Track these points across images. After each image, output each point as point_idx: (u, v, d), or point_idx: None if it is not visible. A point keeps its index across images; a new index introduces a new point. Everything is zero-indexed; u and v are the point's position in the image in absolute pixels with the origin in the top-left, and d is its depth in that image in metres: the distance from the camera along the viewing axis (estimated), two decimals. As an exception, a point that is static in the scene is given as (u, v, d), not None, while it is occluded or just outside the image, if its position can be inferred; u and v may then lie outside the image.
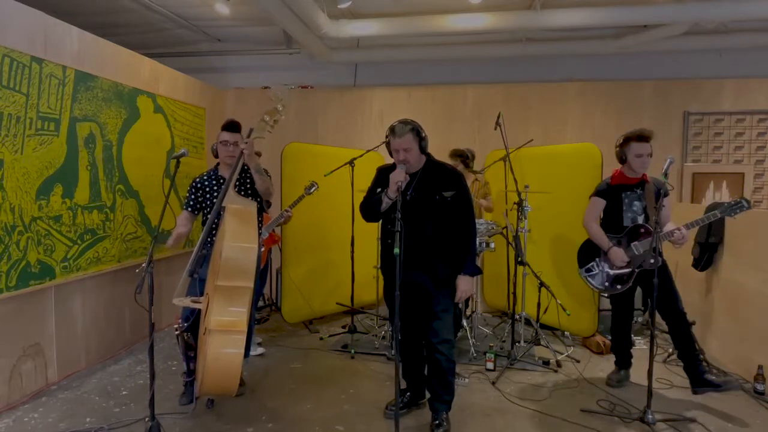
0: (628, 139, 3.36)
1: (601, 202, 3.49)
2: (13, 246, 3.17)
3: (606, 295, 3.65)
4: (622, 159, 3.40)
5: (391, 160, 2.91)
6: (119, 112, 4.10)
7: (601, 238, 3.44)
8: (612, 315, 3.61)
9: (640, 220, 3.38)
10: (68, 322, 3.71)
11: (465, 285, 2.86)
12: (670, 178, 3.17)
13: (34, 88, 3.29)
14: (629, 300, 3.54)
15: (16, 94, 3.17)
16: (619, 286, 3.41)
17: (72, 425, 2.99)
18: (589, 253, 3.56)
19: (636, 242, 3.34)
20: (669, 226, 3.30)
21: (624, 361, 3.61)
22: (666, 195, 3.29)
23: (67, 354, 3.70)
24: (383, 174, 2.95)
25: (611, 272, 3.43)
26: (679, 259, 4.46)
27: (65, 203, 3.58)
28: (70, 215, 3.62)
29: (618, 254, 3.35)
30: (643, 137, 3.31)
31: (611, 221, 3.48)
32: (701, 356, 3.42)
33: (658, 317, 3.39)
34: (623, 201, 3.41)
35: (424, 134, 2.85)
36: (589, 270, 3.54)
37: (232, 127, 3.19)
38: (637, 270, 3.35)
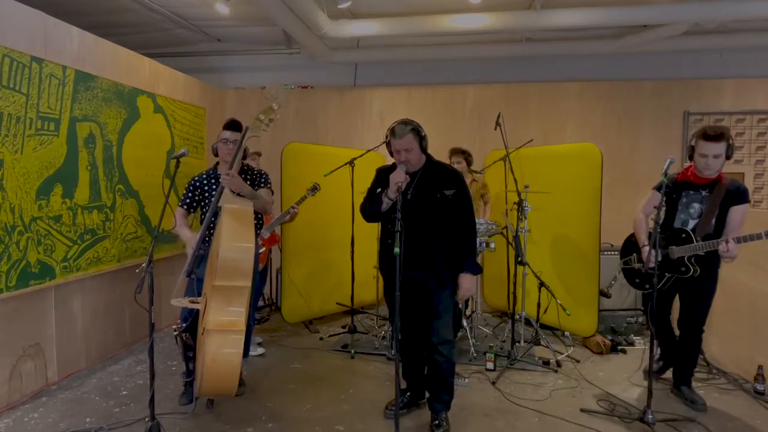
0: (698, 136, 3.04)
1: (656, 197, 3.25)
2: (13, 246, 3.17)
3: (609, 294, 3.61)
4: (691, 155, 3.12)
5: (391, 160, 2.91)
6: (119, 112, 4.10)
7: (640, 234, 3.30)
8: (646, 313, 3.49)
9: (692, 224, 3.13)
10: (68, 322, 3.71)
11: (467, 283, 2.87)
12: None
13: (34, 88, 3.29)
14: (664, 305, 3.37)
15: (16, 94, 3.17)
16: (647, 286, 3.27)
17: (72, 425, 2.99)
18: (630, 247, 3.47)
19: (673, 246, 3.15)
20: (722, 238, 3.00)
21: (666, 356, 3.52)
22: (741, 203, 3.03)
23: (67, 354, 3.70)
24: (383, 175, 2.95)
25: (643, 270, 3.21)
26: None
27: (65, 203, 3.58)
28: (70, 215, 3.62)
29: (650, 254, 3.07)
30: (709, 136, 2.96)
31: (666, 219, 3.23)
32: (693, 373, 3.36)
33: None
34: (681, 200, 3.17)
35: (423, 134, 2.86)
36: (627, 263, 3.47)
37: (233, 126, 3.19)
38: (669, 276, 3.18)
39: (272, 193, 3.37)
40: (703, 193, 3.12)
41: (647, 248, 3.19)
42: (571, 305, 4.29)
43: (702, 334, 3.25)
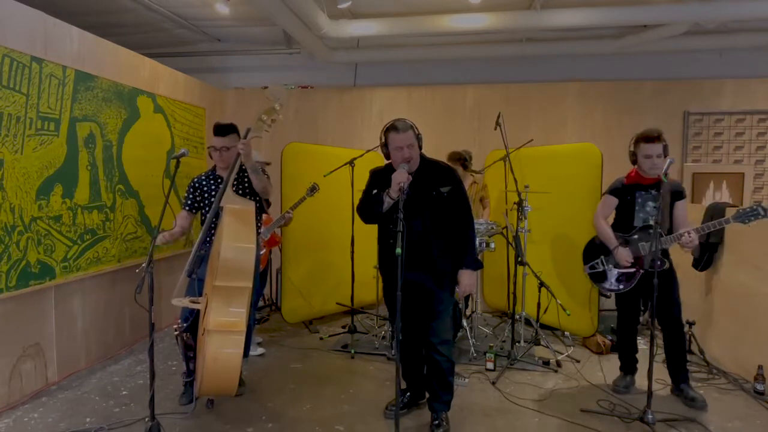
0: (638, 140, 3.30)
1: (613, 200, 3.45)
2: (13, 246, 3.17)
3: (608, 295, 3.64)
4: (634, 160, 3.35)
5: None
6: (119, 112, 4.10)
7: (608, 237, 3.41)
8: (617, 317, 3.59)
9: (652, 221, 3.30)
10: (68, 322, 3.71)
11: (468, 279, 2.87)
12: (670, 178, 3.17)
13: (34, 88, 3.29)
14: (635, 302, 3.51)
15: (16, 94, 3.17)
16: (622, 286, 3.40)
17: (72, 425, 2.99)
18: (594, 250, 3.54)
19: (643, 242, 3.31)
20: (683, 230, 3.21)
21: (629, 366, 3.57)
22: (682, 198, 3.32)
23: (67, 354, 3.70)
24: (377, 176, 2.95)
25: (616, 271, 3.41)
26: (679, 259, 4.45)
27: (65, 203, 3.58)
28: (70, 215, 3.62)
29: (623, 254, 3.32)
30: (650, 138, 3.22)
31: (623, 220, 3.44)
32: (687, 364, 3.42)
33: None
34: (636, 201, 3.35)
35: (418, 132, 2.88)
36: (593, 267, 3.52)
37: (220, 131, 3.20)
38: (641, 271, 3.33)
39: (270, 184, 3.37)
40: (653, 192, 3.33)
41: (620, 249, 3.35)
42: (571, 305, 4.29)
43: (682, 326, 3.36)
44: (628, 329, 3.54)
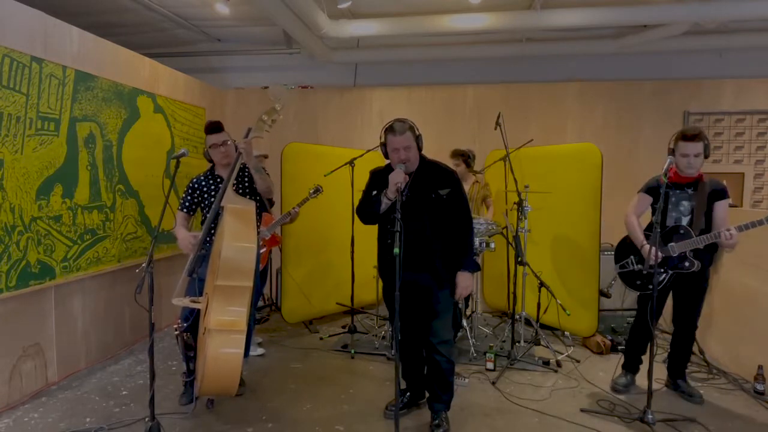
0: (677, 138, 3.19)
1: (646, 199, 3.37)
2: (13, 246, 3.17)
3: (609, 294, 3.62)
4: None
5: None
6: (119, 112, 4.10)
7: (636, 235, 3.35)
8: (636, 315, 3.53)
9: (685, 221, 3.23)
10: (68, 322, 3.71)
11: (465, 281, 2.86)
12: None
13: (34, 88, 3.29)
14: (659, 304, 3.39)
15: (16, 94, 3.17)
16: (650, 287, 3.28)
17: (72, 425, 2.99)
18: (626, 249, 3.49)
19: (672, 243, 3.22)
20: (718, 230, 3.13)
21: (633, 366, 3.55)
22: (723, 198, 3.21)
23: (67, 354, 3.70)
24: (377, 176, 2.95)
25: (644, 271, 3.26)
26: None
27: (65, 203, 3.58)
28: (70, 215, 3.62)
29: (651, 252, 3.13)
30: (687, 136, 3.12)
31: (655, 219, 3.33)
32: (688, 366, 3.44)
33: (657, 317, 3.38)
34: (670, 199, 3.27)
35: (419, 132, 2.87)
36: (623, 266, 3.48)
37: (214, 128, 3.18)
38: (671, 272, 3.26)
39: (272, 183, 3.36)
40: (689, 191, 3.25)
41: (647, 247, 3.23)
42: (571, 305, 4.29)
43: (695, 331, 3.35)
44: (643, 329, 3.43)
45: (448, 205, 2.86)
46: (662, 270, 3.27)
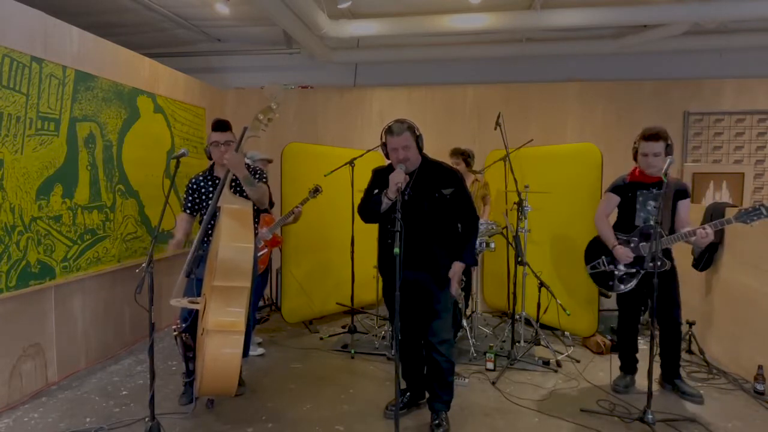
0: (638, 138, 3.28)
1: (614, 198, 3.43)
2: (13, 246, 3.17)
3: (609, 295, 3.64)
4: (635, 157, 3.33)
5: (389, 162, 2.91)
6: (119, 112, 4.11)
7: (608, 235, 3.39)
8: (618, 317, 3.58)
9: (653, 221, 3.28)
10: (68, 322, 3.71)
11: (458, 267, 2.86)
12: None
13: (34, 88, 3.29)
14: (636, 303, 3.50)
15: (16, 94, 3.17)
16: (623, 286, 3.38)
17: (72, 425, 2.99)
18: (596, 250, 3.52)
19: (644, 243, 3.29)
20: (688, 229, 3.17)
21: (629, 366, 3.57)
22: (685, 197, 3.30)
23: (67, 354, 3.70)
24: (379, 175, 2.95)
25: (617, 271, 3.39)
26: (679, 259, 4.45)
27: (65, 203, 3.58)
28: (70, 215, 3.62)
29: (623, 253, 3.30)
30: (649, 136, 3.20)
31: (624, 219, 3.42)
32: (687, 364, 3.47)
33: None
34: (637, 199, 3.33)
35: (419, 132, 2.87)
36: (594, 267, 3.51)
37: (220, 126, 3.16)
38: (642, 271, 3.31)
39: (269, 189, 3.34)
40: (654, 191, 3.30)
41: (619, 247, 3.32)
42: (571, 305, 4.29)
43: (680, 326, 3.38)
44: (628, 329, 3.53)
45: (453, 204, 2.86)
46: (634, 270, 3.33)
